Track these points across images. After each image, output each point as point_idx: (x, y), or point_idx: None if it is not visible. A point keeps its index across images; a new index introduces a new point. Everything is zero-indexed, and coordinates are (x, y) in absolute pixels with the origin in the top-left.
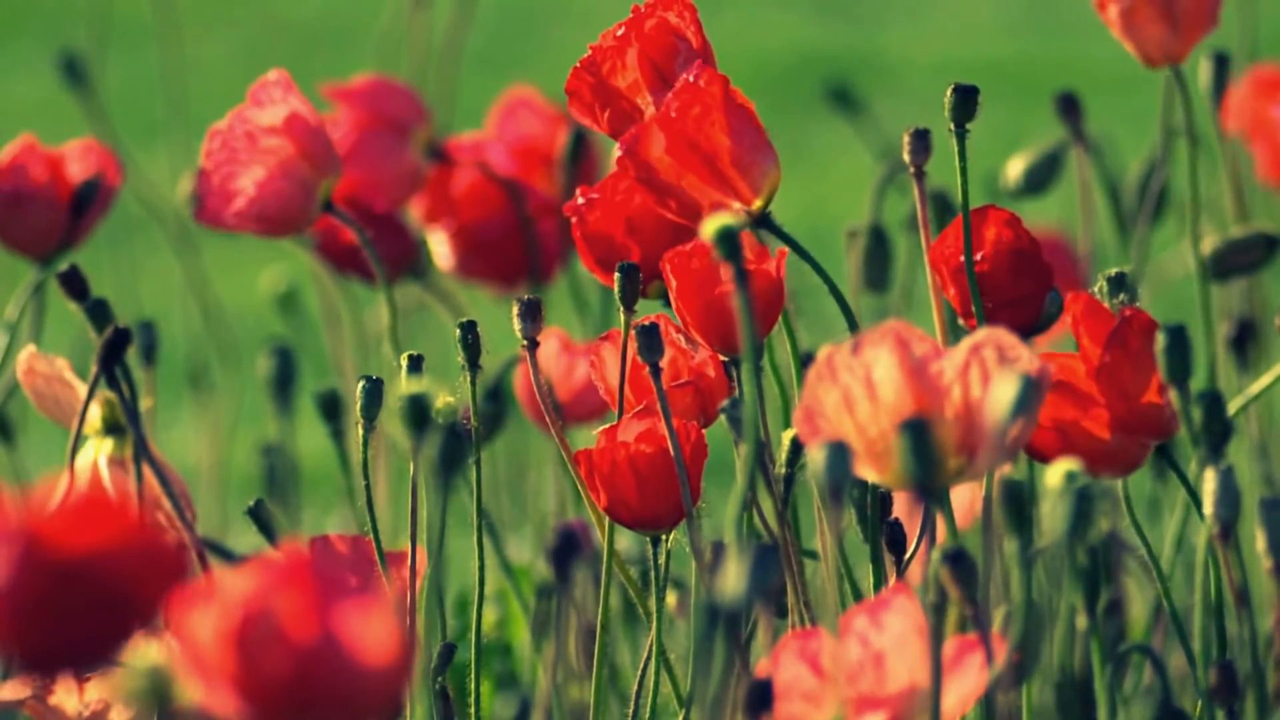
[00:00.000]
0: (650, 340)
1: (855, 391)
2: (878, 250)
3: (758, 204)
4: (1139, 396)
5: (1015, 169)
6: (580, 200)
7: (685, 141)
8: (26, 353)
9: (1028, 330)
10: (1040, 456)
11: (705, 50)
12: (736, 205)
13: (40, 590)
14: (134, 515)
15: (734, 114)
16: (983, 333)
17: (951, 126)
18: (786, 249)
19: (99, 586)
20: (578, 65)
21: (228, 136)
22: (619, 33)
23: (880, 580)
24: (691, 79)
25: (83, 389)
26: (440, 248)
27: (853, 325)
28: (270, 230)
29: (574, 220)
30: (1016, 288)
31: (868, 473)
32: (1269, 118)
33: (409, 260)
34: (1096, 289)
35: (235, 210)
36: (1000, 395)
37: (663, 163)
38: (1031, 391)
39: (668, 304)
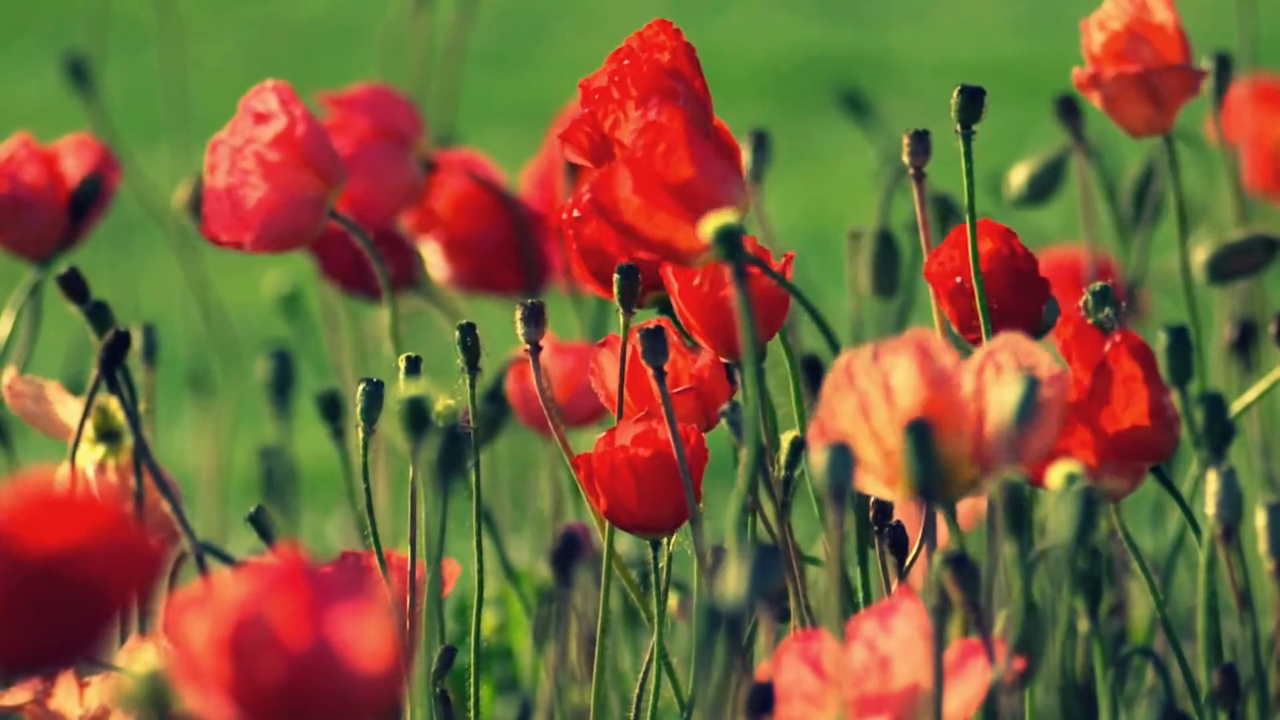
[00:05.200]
0: (655, 343)
1: (873, 397)
2: (886, 255)
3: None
4: (1131, 420)
5: (1018, 177)
6: (574, 213)
7: (654, 179)
8: (6, 376)
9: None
10: (1033, 481)
11: (700, 81)
12: None
13: (10, 587)
14: (105, 510)
15: (698, 146)
16: (999, 339)
17: (958, 128)
18: (793, 252)
19: (70, 582)
20: (577, 118)
21: (235, 156)
22: (615, 78)
23: (865, 579)
24: (653, 115)
25: (70, 403)
26: (434, 258)
27: (833, 345)
28: (283, 248)
29: (569, 233)
30: (1014, 304)
31: (879, 488)
32: (1264, 127)
33: (407, 273)
34: (1082, 302)
35: (250, 234)
36: (1004, 399)
37: (631, 204)
38: (1034, 395)
39: (663, 312)
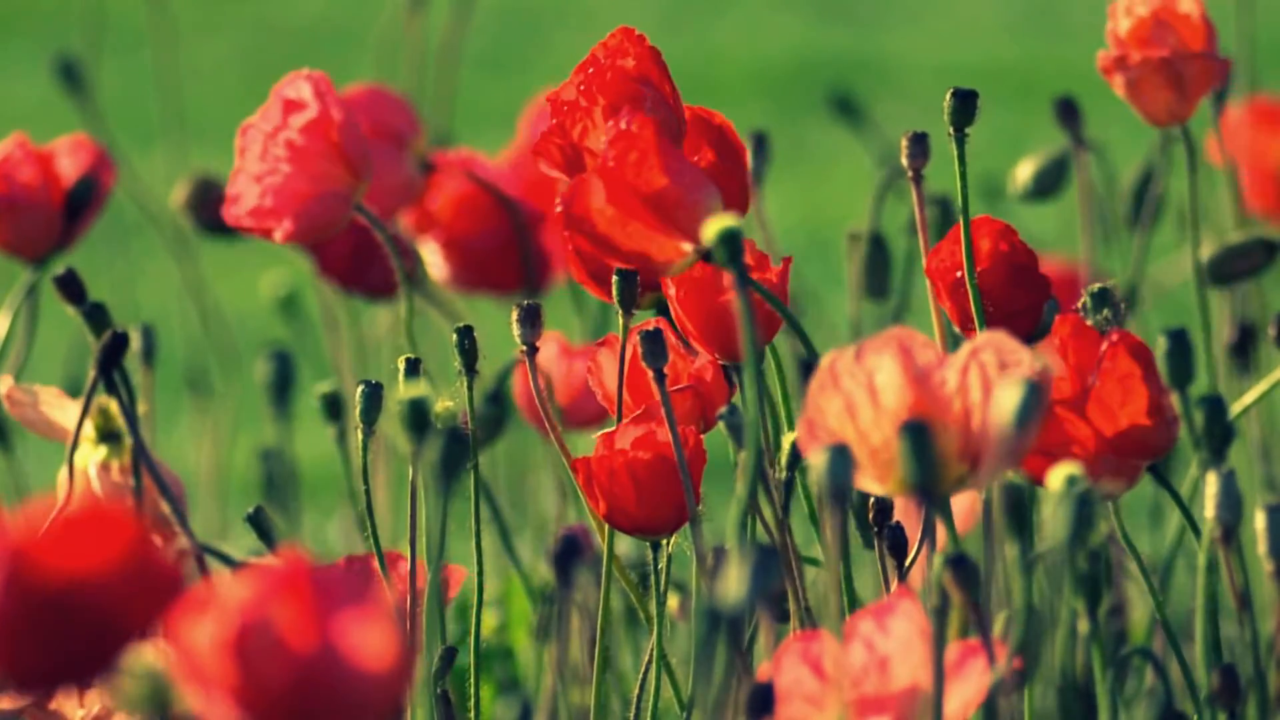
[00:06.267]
0: (654, 345)
1: (858, 397)
2: (877, 257)
3: (705, 241)
4: (1128, 418)
5: (1024, 172)
6: None
7: (626, 189)
8: (4, 385)
9: (1026, 340)
10: (1032, 479)
11: (669, 86)
12: (685, 246)
13: (29, 612)
14: (127, 533)
15: (669, 155)
16: (982, 337)
17: (951, 131)
18: (790, 257)
19: (90, 608)
20: (546, 129)
21: (267, 142)
22: (580, 87)
23: (852, 577)
24: (624, 125)
25: (69, 407)
26: (433, 258)
27: (810, 352)
28: (308, 237)
29: (567, 234)
30: (1015, 300)
31: (869, 484)
32: (1262, 148)
33: (408, 271)
34: (1080, 304)
35: (279, 222)
36: (1004, 402)
37: (604, 214)
38: (1035, 398)
39: (659, 314)
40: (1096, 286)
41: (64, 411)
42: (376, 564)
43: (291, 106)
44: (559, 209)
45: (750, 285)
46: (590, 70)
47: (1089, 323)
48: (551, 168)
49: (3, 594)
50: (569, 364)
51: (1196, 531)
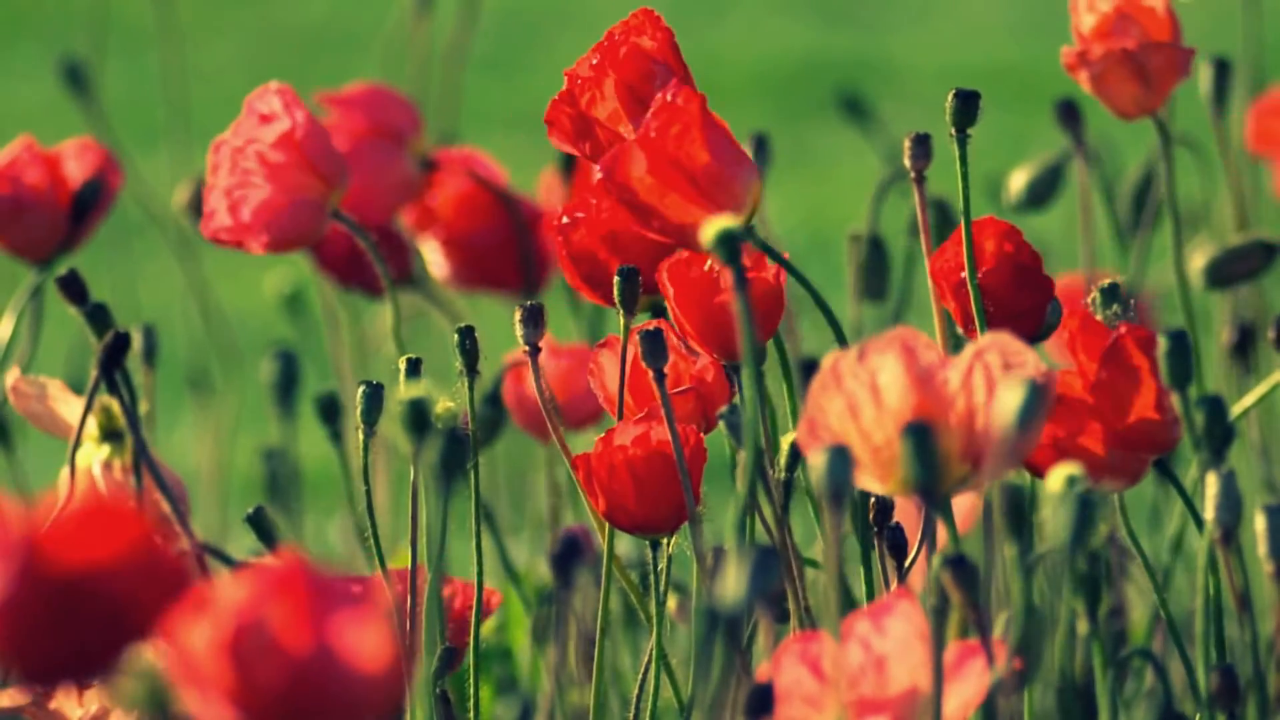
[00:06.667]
0: (654, 346)
1: (860, 397)
2: (876, 259)
3: (743, 218)
4: (1136, 412)
5: (1017, 182)
6: (564, 219)
7: (667, 160)
8: (11, 377)
9: (1030, 340)
10: (1038, 472)
11: (683, 71)
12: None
13: (40, 604)
14: (136, 527)
15: (712, 130)
16: (987, 338)
17: (953, 132)
18: (786, 254)
19: (100, 600)
20: (556, 97)
21: (237, 156)
22: (594, 61)
23: (869, 581)
24: (669, 98)
25: (74, 403)
26: (433, 256)
27: (840, 338)
28: (284, 249)
29: (559, 239)
30: (1019, 301)
31: (870, 483)
32: None
33: (406, 270)
34: (1090, 300)
35: (252, 235)
36: (1006, 403)
37: (644, 183)
38: (1037, 399)
39: (655, 317)
40: (1106, 282)
41: (69, 406)
42: (380, 571)
43: (262, 120)
44: (598, 175)
45: (757, 278)
46: (606, 45)
47: (1098, 318)
48: (561, 139)
49: (17, 584)
50: (558, 364)
51: (1200, 523)
